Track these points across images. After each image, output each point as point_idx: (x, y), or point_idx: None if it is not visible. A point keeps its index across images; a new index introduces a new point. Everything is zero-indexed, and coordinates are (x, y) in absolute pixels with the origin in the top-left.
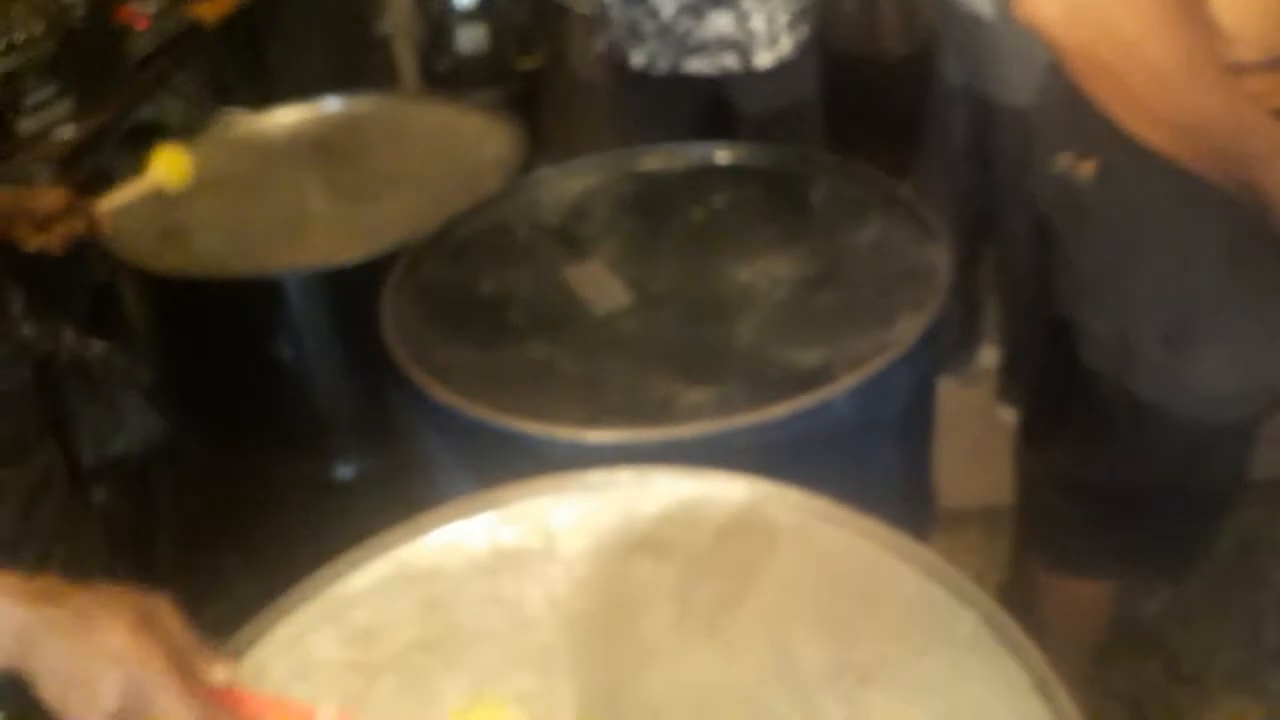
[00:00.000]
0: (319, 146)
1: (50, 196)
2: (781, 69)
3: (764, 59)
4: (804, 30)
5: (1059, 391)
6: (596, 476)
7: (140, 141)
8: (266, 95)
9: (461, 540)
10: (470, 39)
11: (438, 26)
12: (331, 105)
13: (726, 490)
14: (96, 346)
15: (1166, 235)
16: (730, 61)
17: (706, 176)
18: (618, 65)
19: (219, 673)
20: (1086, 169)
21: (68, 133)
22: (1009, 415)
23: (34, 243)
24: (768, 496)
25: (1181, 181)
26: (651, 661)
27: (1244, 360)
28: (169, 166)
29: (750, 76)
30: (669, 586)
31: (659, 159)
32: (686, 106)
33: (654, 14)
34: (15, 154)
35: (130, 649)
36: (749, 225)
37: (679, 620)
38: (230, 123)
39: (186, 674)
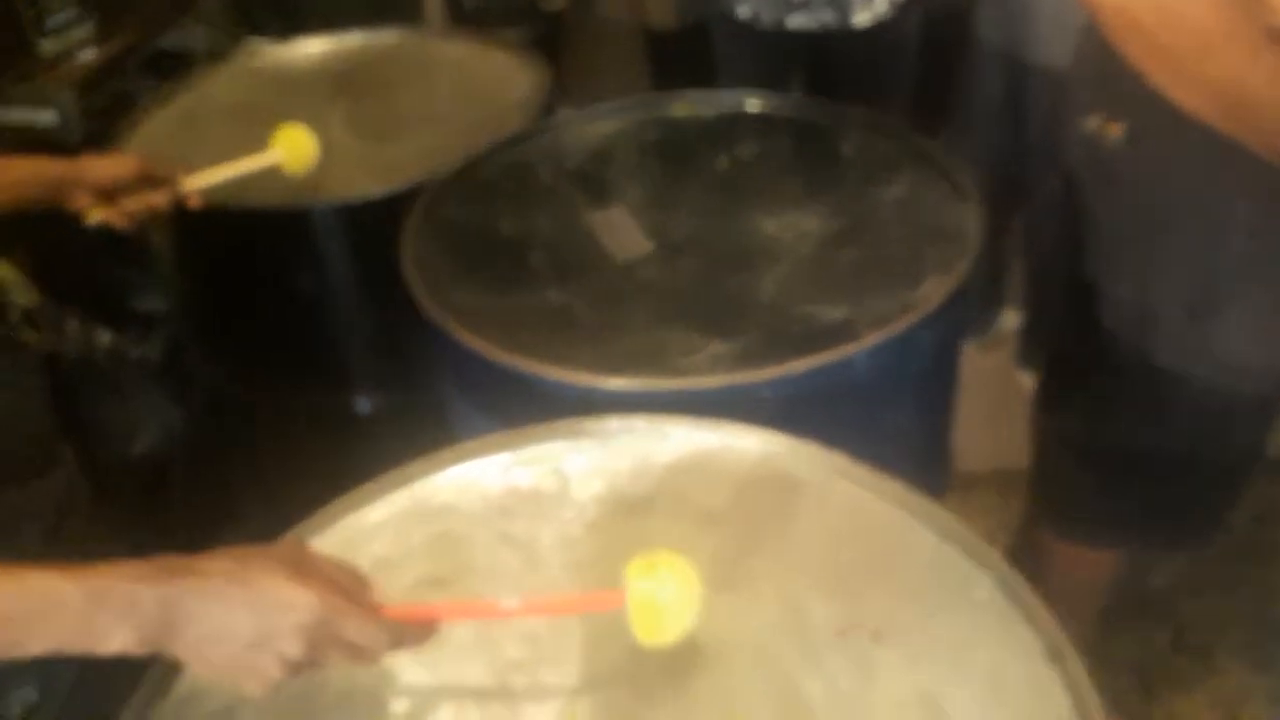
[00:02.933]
0: (342, 80)
1: (117, 165)
2: (878, 29)
3: (862, 17)
4: None
5: (1078, 356)
6: (613, 423)
7: (161, 68)
8: (292, 26)
9: (477, 479)
10: None
11: None
12: (356, 39)
13: (743, 443)
14: (104, 337)
15: (1193, 202)
16: (829, 17)
17: (734, 125)
18: (722, 15)
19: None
20: (1115, 131)
21: (89, 56)
22: (1027, 380)
23: (94, 216)
24: (785, 451)
25: (1210, 148)
26: None
27: (1265, 332)
28: (292, 147)
29: (848, 34)
30: (681, 536)
31: (685, 105)
32: (784, 61)
33: None
34: (36, 75)
35: (302, 593)
36: (776, 177)
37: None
38: (254, 52)
39: (359, 601)
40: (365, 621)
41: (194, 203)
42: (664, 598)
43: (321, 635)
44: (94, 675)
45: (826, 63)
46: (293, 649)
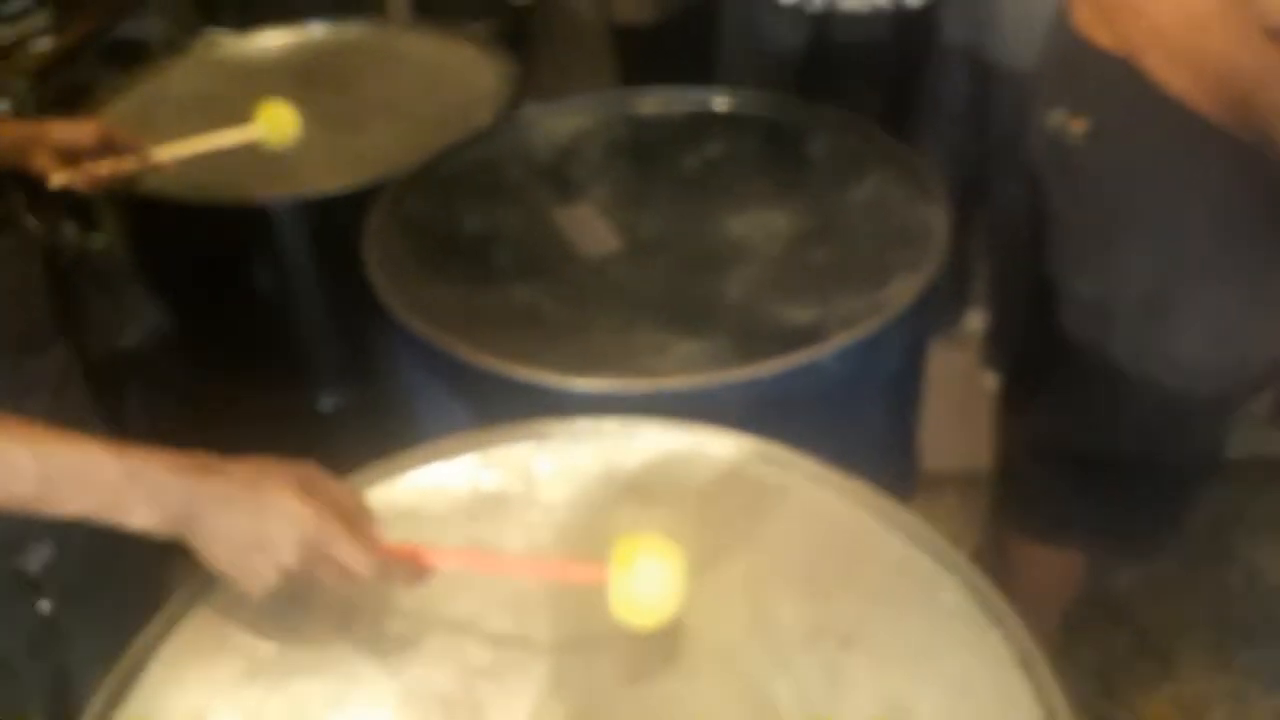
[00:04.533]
0: (304, 72)
1: (78, 130)
2: (930, 9)
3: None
4: None
5: (1040, 357)
6: (582, 424)
7: (119, 58)
8: (251, 17)
9: (442, 482)
10: None
11: None
12: (318, 31)
13: (712, 445)
14: (99, 240)
15: (1153, 200)
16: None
17: (703, 123)
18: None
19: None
20: (1078, 127)
21: (45, 44)
22: (991, 380)
23: (58, 179)
24: (754, 454)
25: (1172, 145)
26: None
27: (1222, 332)
28: (274, 122)
29: (901, 16)
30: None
31: (654, 102)
32: (837, 44)
33: None
34: None
35: (303, 510)
36: (745, 175)
37: None
38: (213, 43)
39: (357, 529)
40: (355, 549)
41: (164, 169)
42: (650, 579)
43: (314, 552)
44: (107, 538)
45: (850, 48)
46: (288, 558)
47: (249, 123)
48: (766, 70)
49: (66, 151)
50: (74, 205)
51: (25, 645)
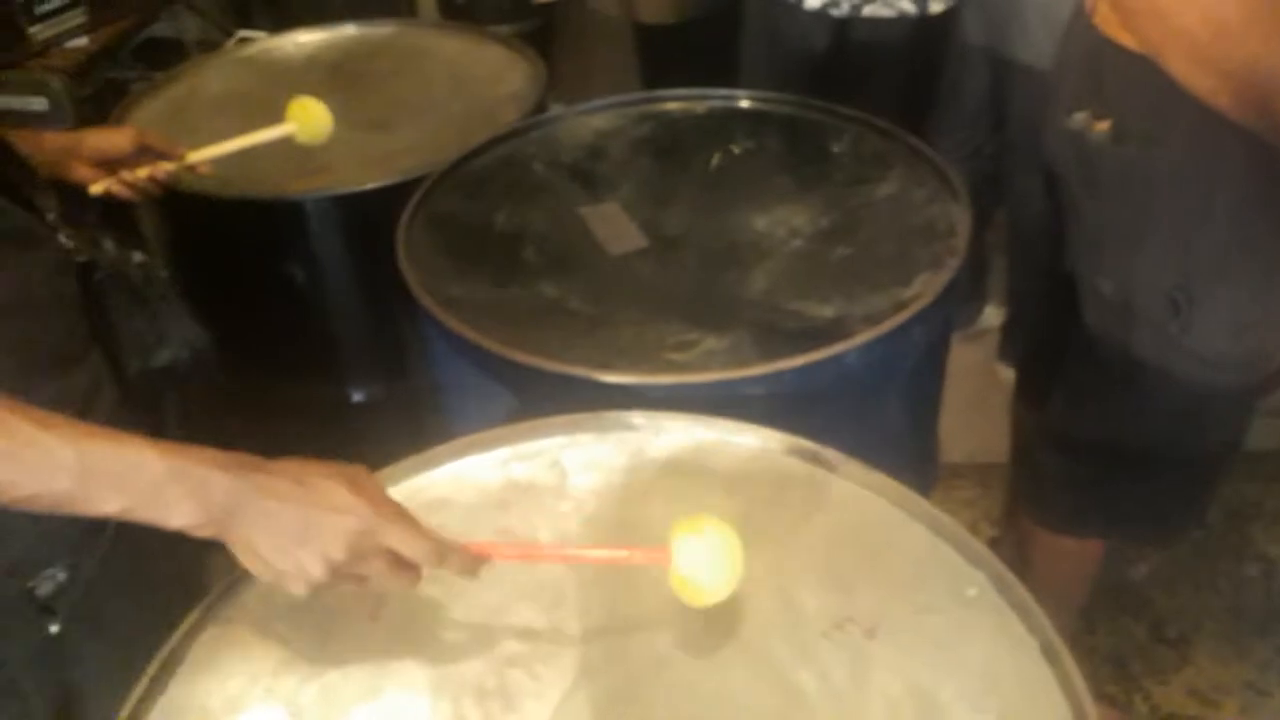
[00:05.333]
0: (335, 72)
1: (114, 137)
2: (945, 16)
3: (937, 5)
4: None
5: (1059, 349)
6: (610, 417)
7: (153, 58)
8: (284, 18)
9: (473, 473)
10: None
11: None
12: (349, 31)
13: (738, 439)
14: (136, 257)
15: (1176, 199)
16: (907, 5)
17: (727, 122)
18: (790, 3)
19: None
20: (1101, 128)
21: (80, 43)
22: (1008, 373)
23: (97, 186)
24: (779, 447)
25: (1195, 146)
26: (655, 602)
27: (1243, 325)
28: (306, 118)
29: (924, 21)
30: None
31: (679, 102)
32: (859, 47)
33: None
34: (27, 61)
35: (354, 501)
36: (768, 174)
37: None
38: (246, 43)
39: (408, 518)
40: (412, 533)
41: (203, 170)
42: (709, 558)
43: (367, 543)
44: (119, 563)
45: (872, 49)
46: (336, 550)
47: (281, 120)
48: (789, 72)
49: (103, 160)
50: (111, 219)
51: (33, 665)
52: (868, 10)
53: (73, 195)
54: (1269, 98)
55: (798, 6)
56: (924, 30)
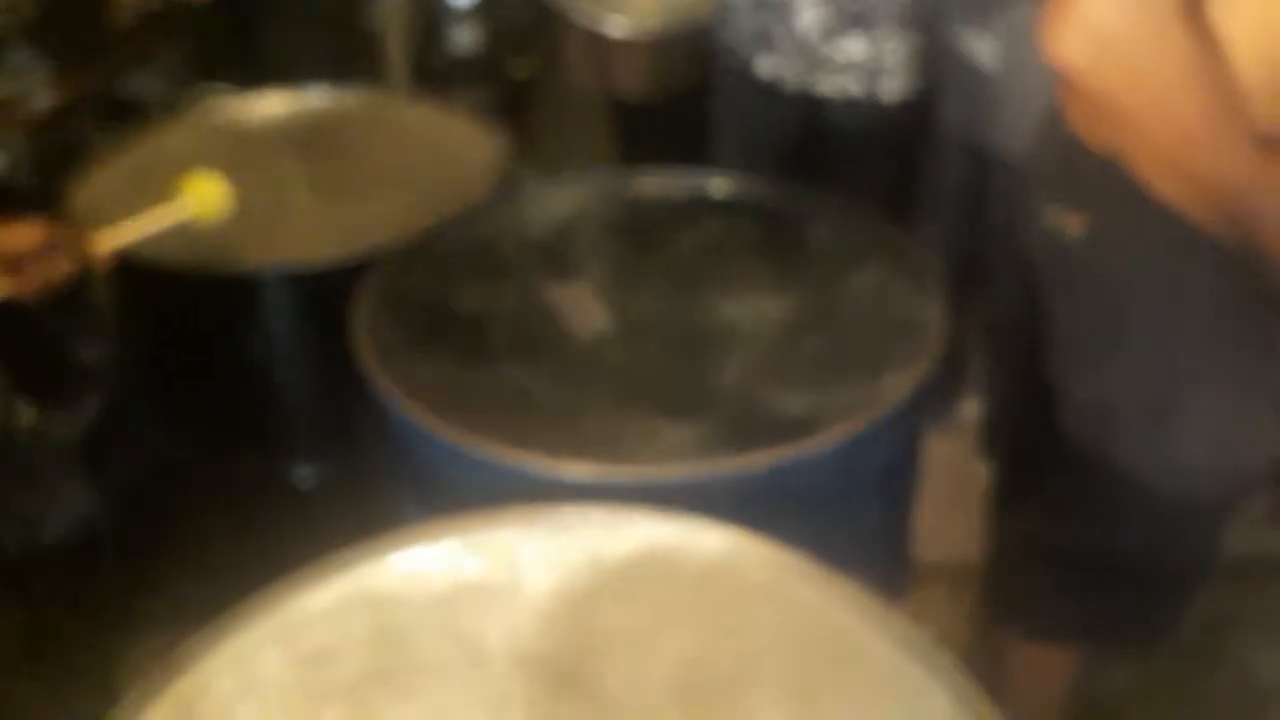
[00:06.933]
0: (301, 138)
1: (21, 233)
2: (900, 106)
3: (890, 91)
4: (931, 69)
5: (1036, 452)
6: (568, 512)
7: (117, 117)
8: (251, 80)
9: (423, 567)
10: (464, 39)
11: (431, 23)
12: (317, 96)
13: (701, 539)
14: (25, 415)
15: (1150, 303)
16: (855, 87)
17: (700, 206)
18: (735, 72)
19: None
20: (1075, 223)
21: (43, 101)
22: (984, 469)
23: (1, 288)
24: (743, 549)
25: (1170, 246)
26: (609, 713)
27: (1222, 436)
28: (204, 197)
29: (886, 106)
30: (633, 635)
31: (652, 183)
32: (795, 127)
33: (789, 24)
34: None
35: None
36: (741, 260)
37: (641, 672)
38: (211, 105)
39: None
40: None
41: (105, 263)
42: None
43: None
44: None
45: (837, 133)
46: None
47: (178, 199)
48: (759, 151)
49: (10, 259)
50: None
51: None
52: (819, 89)
53: None
54: (1231, 204)
55: (755, 80)
56: (891, 116)
